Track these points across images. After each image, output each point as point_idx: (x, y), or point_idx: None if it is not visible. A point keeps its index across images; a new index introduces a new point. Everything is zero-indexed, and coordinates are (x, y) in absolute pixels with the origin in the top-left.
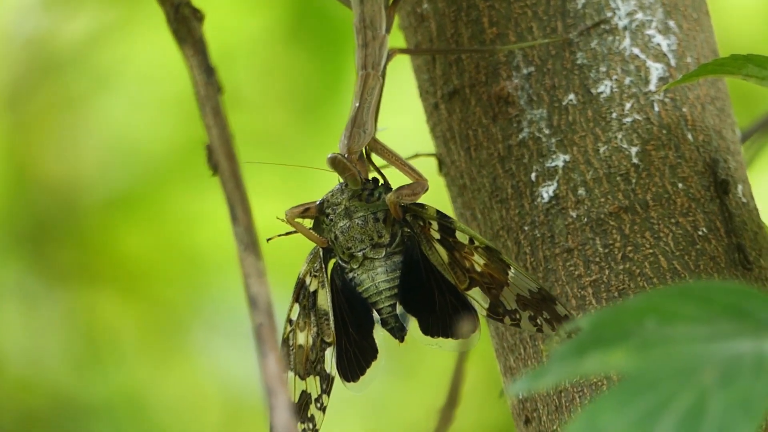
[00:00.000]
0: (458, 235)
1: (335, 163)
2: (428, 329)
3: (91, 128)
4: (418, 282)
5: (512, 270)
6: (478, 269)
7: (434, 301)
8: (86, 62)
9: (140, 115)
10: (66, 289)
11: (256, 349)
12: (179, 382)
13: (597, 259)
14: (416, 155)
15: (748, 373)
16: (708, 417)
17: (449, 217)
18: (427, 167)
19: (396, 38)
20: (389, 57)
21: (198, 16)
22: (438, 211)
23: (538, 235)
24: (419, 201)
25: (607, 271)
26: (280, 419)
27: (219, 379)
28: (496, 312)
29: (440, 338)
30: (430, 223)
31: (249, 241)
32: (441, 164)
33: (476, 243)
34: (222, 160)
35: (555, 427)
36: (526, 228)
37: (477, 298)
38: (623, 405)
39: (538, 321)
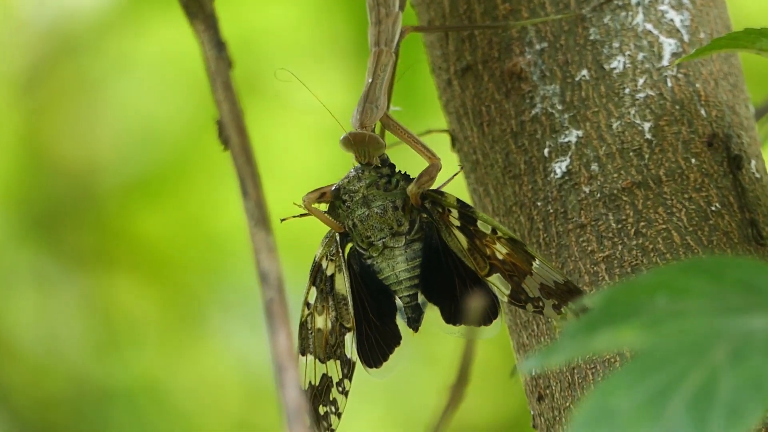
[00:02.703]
0: (480, 224)
1: (353, 137)
2: (450, 317)
3: (109, 112)
4: (439, 270)
5: (537, 261)
6: (500, 257)
7: (455, 288)
8: (103, 45)
9: (158, 97)
10: (84, 273)
11: (266, 324)
12: (198, 367)
13: (610, 235)
14: (428, 131)
15: (760, 350)
16: (719, 396)
17: (470, 207)
18: (439, 144)
19: (408, 16)
20: (402, 34)
21: None
22: (458, 200)
23: (551, 211)
24: (439, 188)
25: (620, 247)
26: (289, 396)
27: (238, 364)
28: (517, 298)
29: (462, 326)
30: (450, 210)
31: (259, 216)
32: (454, 140)
33: (499, 233)
34: (233, 134)
35: (568, 404)
36: (539, 204)
37: (497, 284)
38: (633, 384)
39: (562, 310)
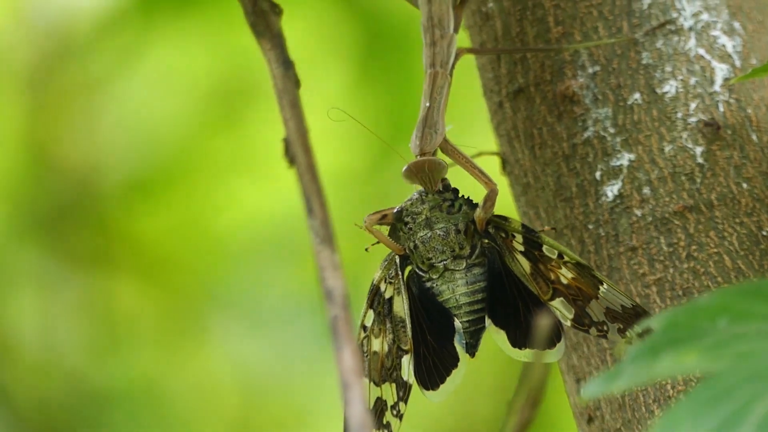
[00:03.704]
0: (545, 249)
1: (414, 167)
2: (516, 341)
3: (110, 112)
4: (503, 294)
5: (605, 286)
6: (565, 282)
7: (519, 313)
8: (105, 46)
9: (159, 99)
10: (84, 274)
11: (332, 342)
12: (196, 369)
13: (661, 258)
14: (479, 154)
15: None
16: None
17: (535, 231)
18: (490, 166)
19: (460, 38)
20: (457, 56)
21: (276, 10)
22: (523, 225)
23: (603, 234)
24: (503, 213)
25: (671, 270)
26: (354, 412)
27: (236, 366)
28: (581, 323)
29: (527, 349)
30: (513, 235)
31: (325, 234)
32: (504, 163)
33: (566, 258)
34: (299, 152)
35: (618, 426)
36: (590, 226)
37: (560, 308)
38: (700, 413)
39: (627, 333)
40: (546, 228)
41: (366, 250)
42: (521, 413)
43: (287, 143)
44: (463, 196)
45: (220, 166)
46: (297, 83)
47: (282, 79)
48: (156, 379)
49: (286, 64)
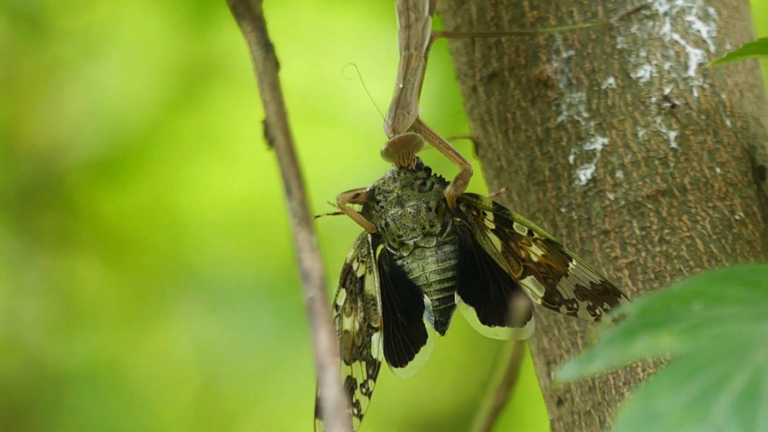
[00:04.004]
0: (516, 226)
1: (393, 145)
2: (486, 319)
3: (73, 93)
4: (473, 272)
5: (574, 262)
6: (535, 259)
7: (490, 290)
8: (71, 28)
9: (123, 79)
10: (47, 253)
11: (308, 322)
12: (158, 349)
13: (634, 242)
14: (453, 137)
15: None
16: (764, 396)
17: (506, 209)
18: (462, 150)
19: (434, 21)
20: (431, 39)
21: None
22: (494, 203)
23: (575, 217)
24: (473, 191)
25: (643, 254)
26: (330, 393)
27: (198, 347)
28: (551, 301)
29: (497, 327)
30: (485, 213)
31: (303, 215)
32: (477, 147)
33: (536, 235)
34: (278, 135)
35: (588, 408)
36: (563, 210)
37: (531, 286)
38: (677, 386)
39: (597, 311)
40: (502, 190)
41: (315, 217)
42: (496, 395)
43: (266, 125)
44: (435, 174)
45: (185, 146)
46: (277, 65)
47: (262, 62)
48: (117, 359)
49: (266, 47)
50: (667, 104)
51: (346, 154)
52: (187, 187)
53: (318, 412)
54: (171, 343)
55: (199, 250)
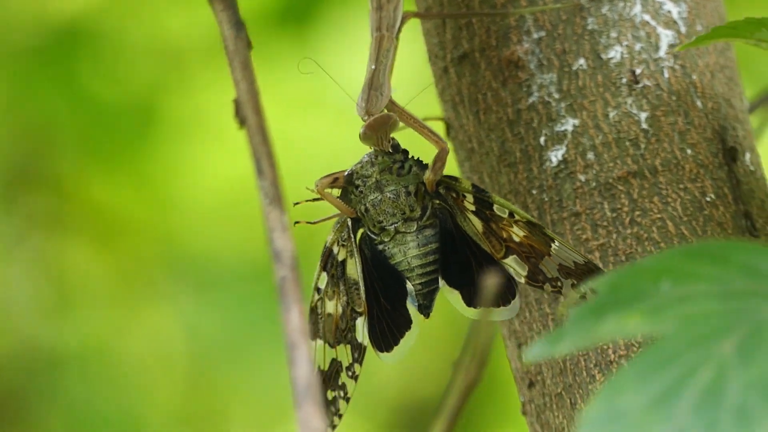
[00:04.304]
0: (496, 208)
1: (371, 127)
2: (470, 301)
3: (68, 73)
4: (456, 254)
5: (556, 243)
6: (517, 240)
7: (473, 272)
8: (63, 8)
9: (116, 62)
10: (38, 235)
11: (279, 302)
12: (149, 332)
13: (605, 223)
14: (424, 119)
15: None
16: (728, 395)
17: (485, 191)
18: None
19: (406, 2)
20: (403, 20)
21: None
22: (473, 185)
23: (546, 199)
24: (453, 174)
25: (614, 235)
26: (300, 373)
27: (188, 329)
28: (535, 279)
29: (482, 308)
30: (464, 195)
31: (274, 195)
32: (449, 128)
33: (517, 217)
34: (249, 114)
35: (559, 390)
36: (534, 192)
37: (514, 265)
38: (641, 382)
39: (583, 294)
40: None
41: (294, 204)
42: (468, 373)
43: (238, 104)
44: (412, 157)
45: (178, 128)
46: (249, 45)
47: (233, 41)
48: (108, 341)
49: (237, 26)
50: (632, 75)
51: (332, 136)
52: (180, 169)
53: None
54: (161, 325)
55: (191, 232)
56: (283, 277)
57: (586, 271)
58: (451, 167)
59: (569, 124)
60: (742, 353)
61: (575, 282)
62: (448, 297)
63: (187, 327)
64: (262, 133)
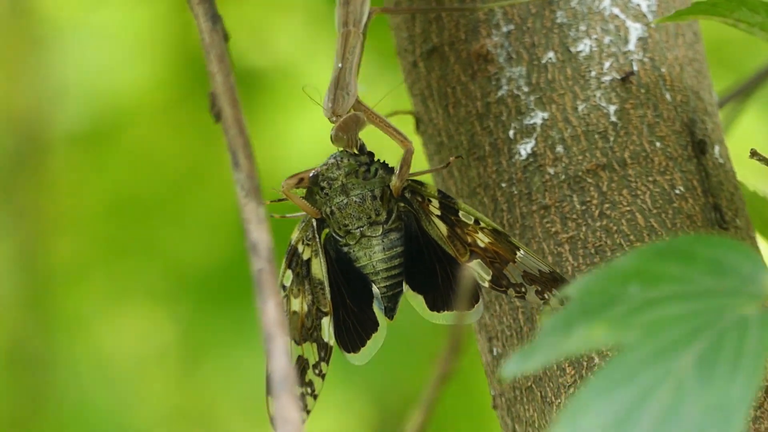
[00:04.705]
0: (461, 214)
1: (341, 129)
2: (434, 305)
3: (55, 64)
4: (420, 258)
5: (521, 252)
6: (482, 245)
7: (437, 276)
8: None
9: (106, 53)
10: (26, 226)
11: (256, 294)
12: (139, 332)
13: (574, 216)
14: (394, 113)
15: (727, 358)
16: (685, 419)
17: (451, 197)
18: (404, 126)
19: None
20: (370, 15)
21: None
22: (439, 190)
23: (515, 192)
24: (419, 178)
25: (584, 228)
26: (278, 364)
27: (180, 326)
28: (499, 284)
29: (446, 312)
30: (430, 200)
31: (250, 187)
32: (418, 122)
33: (482, 224)
34: (225, 106)
35: (529, 384)
36: (503, 185)
37: (478, 269)
38: (601, 402)
39: (545, 295)
40: (452, 159)
41: (267, 203)
42: (443, 364)
43: (213, 97)
44: (378, 160)
45: (163, 122)
46: (225, 37)
47: (209, 33)
48: (96, 337)
49: (213, 18)
50: (623, 79)
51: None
52: (168, 162)
53: (269, 390)
54: (153, 323)
55: (181, 226)
56: (259, 269)
57: (551, 279)
58: (420, 161)
59: (538, 117)
60: (701, 369)
61: (539, 288)
62: (412, 301)
63: (179, 324)
64: (239, 125)
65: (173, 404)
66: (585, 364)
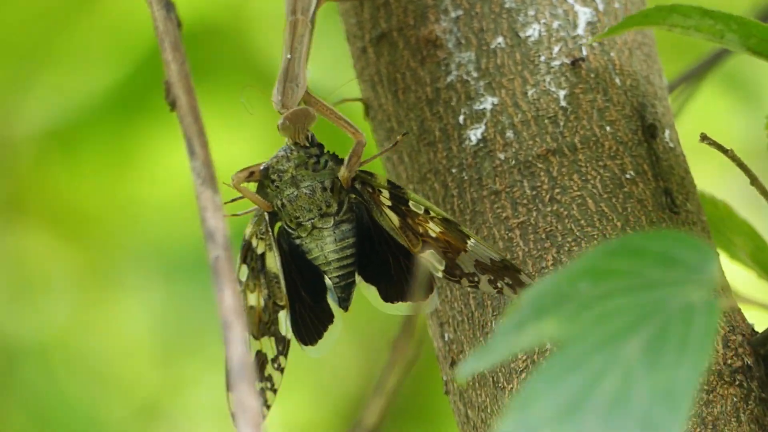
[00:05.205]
0: (411, 204)
1: (291, 119)
2: (387, 296)
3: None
4: (372, 249)
5: (471, 240)
6: (433, 235)
7: (390, 267)
8: None
9: (81, 49)
10: None
11: (212, 282)
12: (112, 323)
13: (524, 201)
14: (343, 101)
15: (673, 345)
16: (633, 404)
17: (400, 187)
18: (353, 113)
19: None
20: (318, 3)
21: None
22: (389, 181)
23: (466, 178)
24: (368, 169)
25: (534, 213)
26: (235, 352)
27: (152, 320)
28: (452, 274)
29: (399, 303)
30: (380, 190)
31: (206, 175)
32: (368, 109)
33: (432, 214)
34: (180, 94)
35: (482, 369)
36: (453, 170)
37: (431, 260)
38: (549, 391)
39: (498, 284)
40: (399, 137)
41: (225, 203)
42: (401, 351)
43: (168, 85)
44: (328, 151)
45: (138, 119)
46: (179, 25)
47: (164, 21)
48: (70, 332)
49: (167, 6)
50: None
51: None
52: (142, 159)
53: (228, 383)
54: (125, 315)
55: (154, 221)
56: (216, 256)
57: (503, 267)
58: (371, 148)
59: (488, 102)
60: (648, 355)
61: (492, 278)
62: (365, 292)
63: (152, 316)
64: (194, 113)
65: (147, 397)
66: (537, 349)
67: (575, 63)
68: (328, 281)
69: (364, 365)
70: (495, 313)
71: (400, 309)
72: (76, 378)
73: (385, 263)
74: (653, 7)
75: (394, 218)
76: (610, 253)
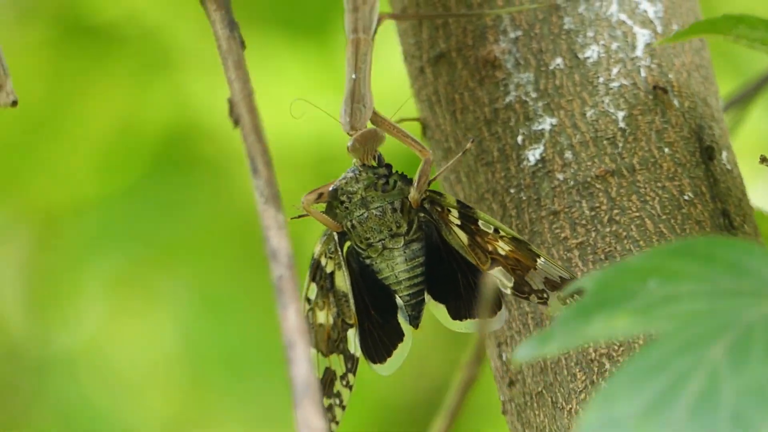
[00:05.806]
0: (481, 224)
1: (360, 141)
2: (456, 314)
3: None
4: (441, 267)
5: (542, 259)
6: (502, 253)
7: (459, 285)
8: None
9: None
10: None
11: (276, 301)
12: (140, 333)
13: (583, 222)
14: (401, 120)
15: (758, 349)
16: (722, 401)
17: (470, 207)
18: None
19: (382, 3)
20: (379, 21)
21: None
22: (458, 200)
23: (524, 198)
24: (438, 189)
25: (593, 234)
26: (299, 371)
27: (184, 332)
28: (521, 290)
29: (468, 320)
30: (449, 210)
31: (270, 193)
32: (425, 128)
33: (502, 233)
34: (243, 113)
35: (540, 389)
36: (512, 191)
37: (500, 277)
38: (635, 389)
39: (567, 301)
40: (469, 144)
41: (290, 219)
42: (466, 371)
43: (232, 104)
44: (396, 171)
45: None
46: (242, 44)
47: (227, 41)
48: (99, 342)
49: (231, 25)
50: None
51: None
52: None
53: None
54: (155, 327)
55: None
56: (279, 276)
57: None
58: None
59: (546, 123)
60: (733, 358)
61: (561, 294)
62: (433, 311)
63: (183, 329)
64: (257, 131)
65: (176, 409)
66: (596, 369)
67: (656, 89)
68: (398, 300)
69: (419, 381)
70: None
71: (468, 326)
72: (105, 389)
73: (454, 281)
74: (721, 16)
75: (463, 237)
76: (675, 254)
